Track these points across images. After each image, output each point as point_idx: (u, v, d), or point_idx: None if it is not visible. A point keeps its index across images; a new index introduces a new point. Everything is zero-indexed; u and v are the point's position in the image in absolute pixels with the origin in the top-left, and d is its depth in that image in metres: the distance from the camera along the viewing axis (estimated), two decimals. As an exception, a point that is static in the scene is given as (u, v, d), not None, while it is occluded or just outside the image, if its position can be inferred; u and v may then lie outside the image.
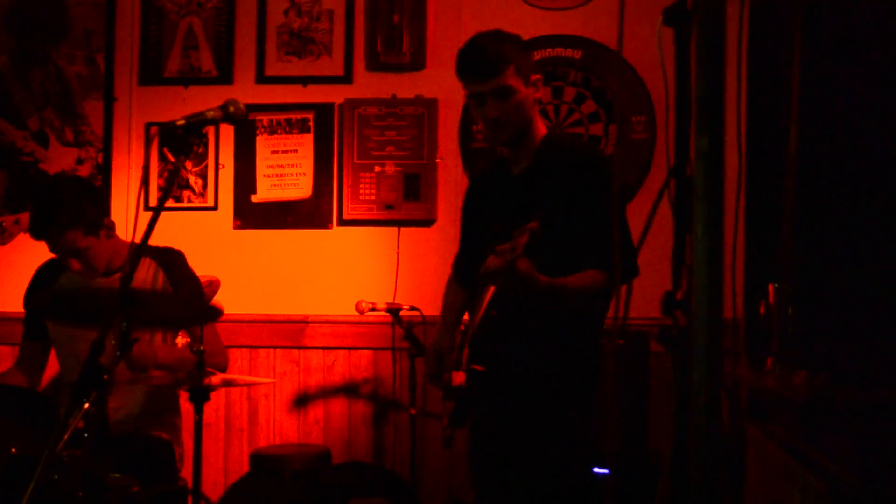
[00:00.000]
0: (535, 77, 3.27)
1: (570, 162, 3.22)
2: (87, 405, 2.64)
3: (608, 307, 3.16)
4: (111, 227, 4.08)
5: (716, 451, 1.74)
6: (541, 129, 3.33)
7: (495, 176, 3.44)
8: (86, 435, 2.87)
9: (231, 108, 2.84)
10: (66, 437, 2.60)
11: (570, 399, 3.15)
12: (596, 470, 3.24)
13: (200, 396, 3.55)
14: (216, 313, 3.94)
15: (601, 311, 3.20)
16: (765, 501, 2.91)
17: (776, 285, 2.87)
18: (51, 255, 4.12)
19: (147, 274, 4.10)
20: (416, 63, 5.16)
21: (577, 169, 3.20)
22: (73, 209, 3.94)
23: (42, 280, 4.23)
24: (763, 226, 3.72)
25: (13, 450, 3.10)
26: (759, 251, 3.74)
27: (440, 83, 5.13)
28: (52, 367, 4.34)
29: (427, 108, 5.12)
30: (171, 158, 5.28)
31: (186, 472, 4.13)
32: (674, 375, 2.06)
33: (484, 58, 3.22)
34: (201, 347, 3.59)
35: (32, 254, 4.28)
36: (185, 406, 4.16)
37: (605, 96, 5.00)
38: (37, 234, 4.01)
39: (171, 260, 4.18)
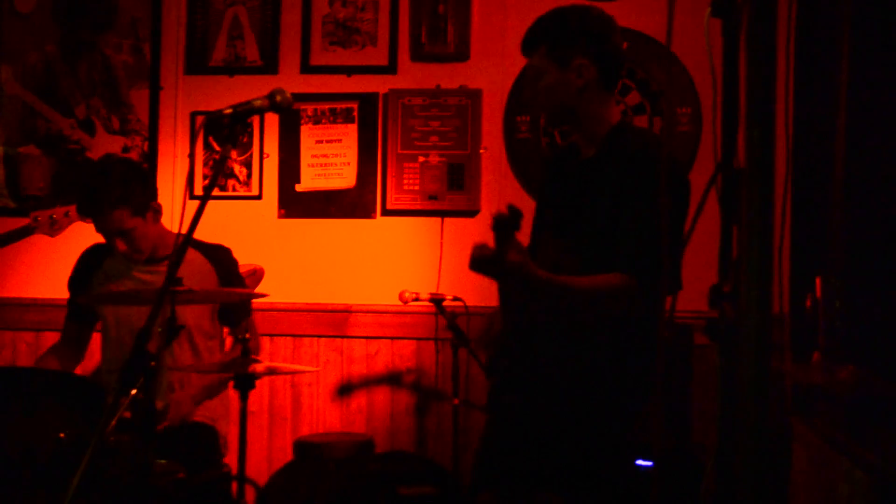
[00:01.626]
0: (578, 61, 3.10)
1: (624, 156, 3.06)
2: (133, 391, 2.65)
3: (650, 307, 2.95)
4: (158, 209, 4.11)
5: (763, 446, 1.73)
6: (608, 116, 3.17)
7: (565, 159, 3.31)
8: (132, 421, 2.91)
9: (278, 98, 2.85)
10: (113, 423, 2.63)
11: (604, 391, 3.06)
12: (639, 462, 3.22)
13: (246, 384, 3.57)
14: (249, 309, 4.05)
15: (640, 311, 3.01)
16: (810, 496, 2.90)
17: (824, 279, 2.84)
18: (96, 241, 4.16)
19: (199, 270, 4.12)
20: (461, 53, 5.16)
21: (628, 164, 3.04)
22: (121, 187, 3.97)
23: (87, 263, 4.28)
24: (810, 218, 3.70)
25: (62, 435, 3.13)
26: (806, 244, 3.72)
27: (484, 73, 5.13)
28: (93, 356, 4.40)
29: (471, 99, 5.12)
30: (217, 147, 5.31)
31: (230, 459, 4.17)
32: (719, 368, 2.05)
33: (527, 34, 3.17)
34: (246, 335, 3.61)
35: (82, 244, 4.33)
36: (230, 393, 4.20)
37: (649, 87, 4.98)
38: (85, 210, 4.05)
39: (221, 257, 4.22)
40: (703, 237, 2.77)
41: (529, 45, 3.17)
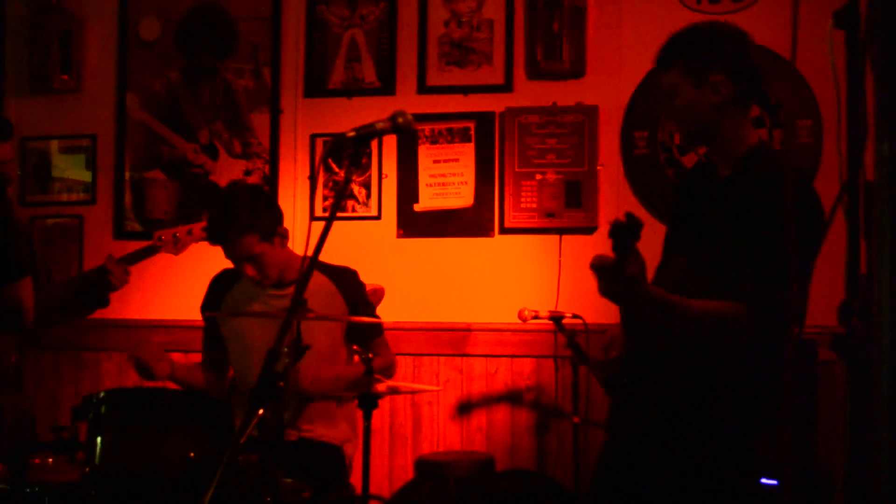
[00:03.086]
0: (713, 78, 3.06)
1: (756, 180, 2.98)
2: (261, 411, 2.69)
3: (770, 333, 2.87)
4: (285, 234, 4.16)
5: (897, 465, 1.70)
6: (745, 136, 3.11)
7: (699, 178, 3.28)
8: (260, 441, 2.96)
9: (400, 120, 2.85)
10: (242, 442, 2.67)
11: (726, 410, 2.97)
12: (764, 481, 3.17)
13: (369, 403, 3.60)
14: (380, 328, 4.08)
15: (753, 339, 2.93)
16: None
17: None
18: (224, 265, 4.23)
19: (325, 294, 4.16)
20: (576, 70, 5.16)
21: (758, 189, 2.95)
22: (249, 214, 4.03)
23: (217, 289, 4.35)
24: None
25: (191, 454, 3.19)
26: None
27: (600, 90, 5.12)
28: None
29: (587, 116, 5.11)
30: (336, 168, 5.38)
31: (353, 478, 4.20)
32: (847, 385, 2.01)
33: (661, 51, 3.15)
34: (371, 355, 3.64)
35: (204, 263, 4.41)
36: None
37: (769, 101, 4.91)
38: (214, 238, 4.11)
39: (347, 279, 4.26)
40: (827, 251, 2.73)
41: (664, 62, 3.14)
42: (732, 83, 3.06)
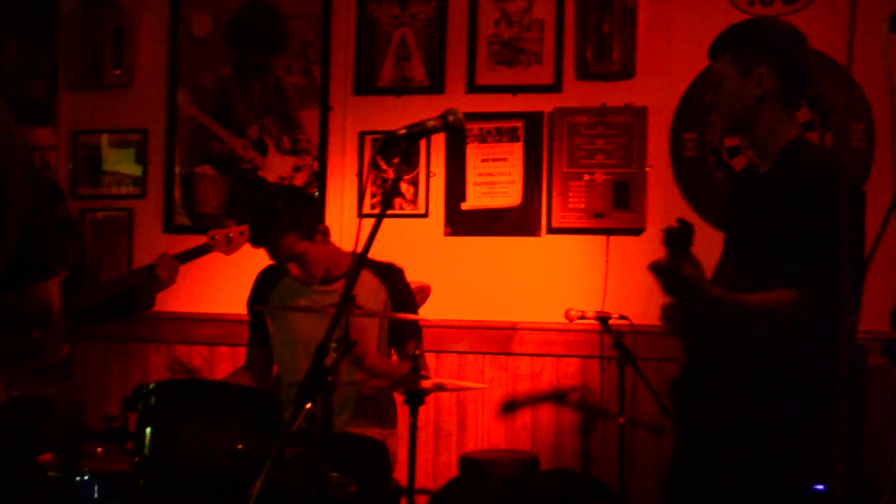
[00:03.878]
0: (759, 70, 3.09)
1: (797, 172, 3.02)
2: (309, 405, 2.71)
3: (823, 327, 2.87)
4: (326, 231, 4.18)
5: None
6: (784, 132, 3.13)
7: (745, 179, 3.32)
8: (308, 435, 2.98)
9: (451, 118, 2.85)
10: (290, 436, 2.70)
11: (780, 415, 2.98)
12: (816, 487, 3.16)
13: (415, 400, 3.62)
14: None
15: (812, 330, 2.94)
16: None
17: None
18: (269, 258, 4.27)
19: (369, 290, 4.17)
20: (626, 71, 5.14)
21: (800, 180, 2.99)
22: (287, 215, 4.07)
23: (263, 285, 4.38)
24: None
25: (240, 446, 3.22)
26: None
27: (650, 91, 5.11)
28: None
29: (637, 117, 5.10)
30: (384, 166, 5.40)
31: (398, 474, 4.22)
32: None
33: (715, 39, 3.19)
34: (416, 352, 3.66)
35: (254, 260, 4.44)
36: (399, 410, 4.26)
37: (820, 104, 4.88)
38: (256, 242, 4.17)
39: (394, 277, 4.28)
40: (878, 257, 2.72)
41: (716, 49, 3.19)
42: (777, 78, 3.08)
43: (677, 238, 2.70)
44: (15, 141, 2.58)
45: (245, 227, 4.44)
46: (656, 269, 2.81)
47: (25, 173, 2.61)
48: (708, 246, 3.18)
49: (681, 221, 2.70)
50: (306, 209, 4.17)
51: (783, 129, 3.13)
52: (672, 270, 2.75)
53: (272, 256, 4.15)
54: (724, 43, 3.17)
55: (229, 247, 4.47)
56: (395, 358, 4.32)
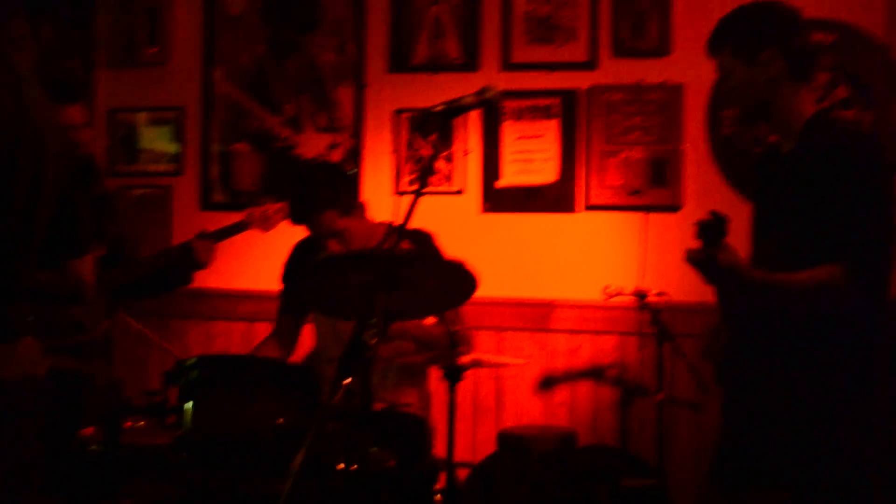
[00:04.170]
0: (764, 55, 3.05)
1: (824, 147, 2.98)
2: (349, 380, 2.73)
3: (870, 300, 2.88)
4: (363, 207, 4.23)
5: None
6: (802, 108, 3.10)
7: (769, 159, 3.27)
8: (347, 409, 2.99)
9: (488, 94, 2.85)
10: (330, 411, 2.72)
11: (830, 390, 2.93)
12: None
13: (454, 376, 3.63)
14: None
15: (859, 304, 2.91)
16: None
17: None
18: (306, 234, 4.29)
19: None
20: (662, 49, 5.12)
21: (829, 155, 2.95)
22: (326, 192, 4.12)
23: (299, 256, 4.42)
24: None
25: (280, 420, 3.24)
26: None
27: (686, 68, 5.07)
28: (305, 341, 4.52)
29: (673, 94, 5.08)
30: (421, 143, 5.40)
31: (437, 450, 4.23)
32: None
33: (710, 36, 3.16)
34: (455, 328, 3.67)
35: (291, 237, 4.46)
36: (436, 385, 4.27)
37: (859, 81, 4.84)
38: (297, 220, 4.21)
39: (424, 241, 4.28)
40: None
41: (714, 47, 3.15)
42: (784, 57, 3.05)
43: (711, 231, 2.71)
44: (50, 121, 2.60)
45: (282, 205, 4.46)
46: (693, 260, 2.81)
47: (59, 152, 2.63)
48: (746, 224, 3.18)
49: (714, 214, 2.70)
50: (343, 185, 4.22)
51: (801, 105, 3.10)
52: (708, 262, 2.74)
53: (314, 233, 4.18)
54: (721, 38, 3.13)
55: (266, 224, 4.49)
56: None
